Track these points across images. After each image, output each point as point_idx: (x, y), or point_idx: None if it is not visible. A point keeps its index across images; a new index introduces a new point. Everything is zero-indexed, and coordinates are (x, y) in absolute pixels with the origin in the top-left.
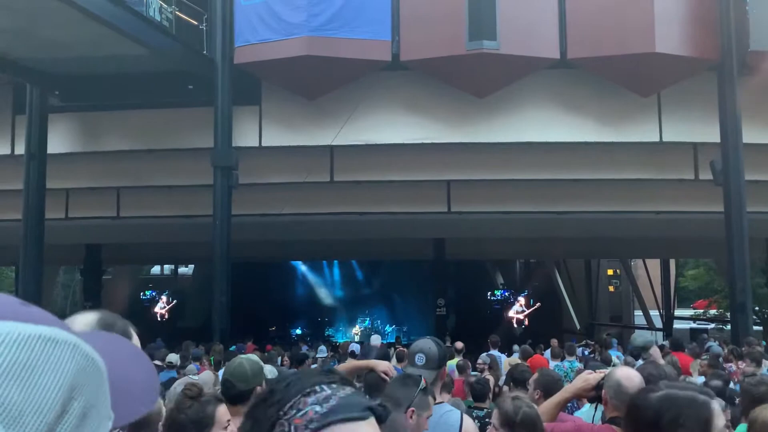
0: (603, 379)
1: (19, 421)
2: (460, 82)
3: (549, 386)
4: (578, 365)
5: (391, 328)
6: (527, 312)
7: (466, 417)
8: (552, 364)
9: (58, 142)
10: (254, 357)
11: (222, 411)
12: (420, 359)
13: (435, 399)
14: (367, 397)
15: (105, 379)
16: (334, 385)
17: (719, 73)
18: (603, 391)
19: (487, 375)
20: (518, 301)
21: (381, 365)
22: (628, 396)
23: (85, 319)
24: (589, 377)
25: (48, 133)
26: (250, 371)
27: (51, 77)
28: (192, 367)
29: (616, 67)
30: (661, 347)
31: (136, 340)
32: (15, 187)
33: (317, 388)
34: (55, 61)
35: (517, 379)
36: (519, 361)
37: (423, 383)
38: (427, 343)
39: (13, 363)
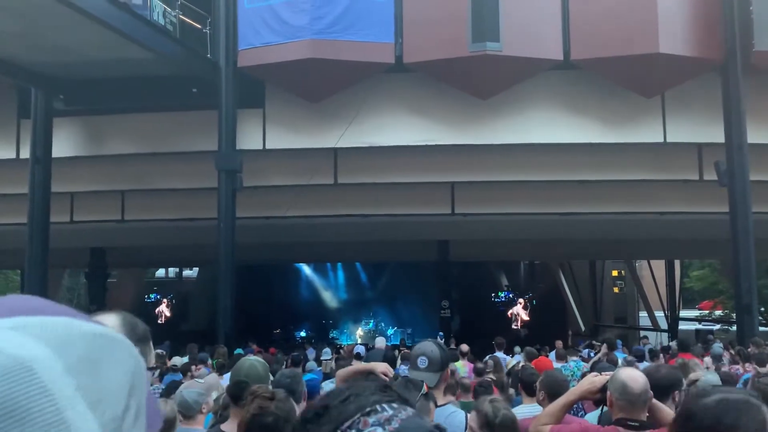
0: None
1: (98, 406)
2: (463, 84)
3: (555, 388)
4: (584, 365)
5: (393, 330)
6: (531, 313)
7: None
8: (557, 365)
9: (62, 146)
10: (260, 359)
11: (295, 405)
12: (423, 362)
13: (436, 403)
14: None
15: (148, 383)
16: (394, 405)
17: (723, 74)
18: (608, 392)
19: (490, 377)
20: (521, 303)
21: (379, 366)
22: (633, 396)
23: (108, 321)
24: (595, 380)
25: (53, 137)
26: (262, 372)
27: (55, 81)
28: (205, 371)
29: (620, 68)
30: (668, 348)
31: (150, 344)
32: (20, 191)
33: (378, 407)
34: (59, 65)
35: (525, 381)
36: (517, 363)
37: (424, 389)
38: (429, 346)
39: (85, 356)
